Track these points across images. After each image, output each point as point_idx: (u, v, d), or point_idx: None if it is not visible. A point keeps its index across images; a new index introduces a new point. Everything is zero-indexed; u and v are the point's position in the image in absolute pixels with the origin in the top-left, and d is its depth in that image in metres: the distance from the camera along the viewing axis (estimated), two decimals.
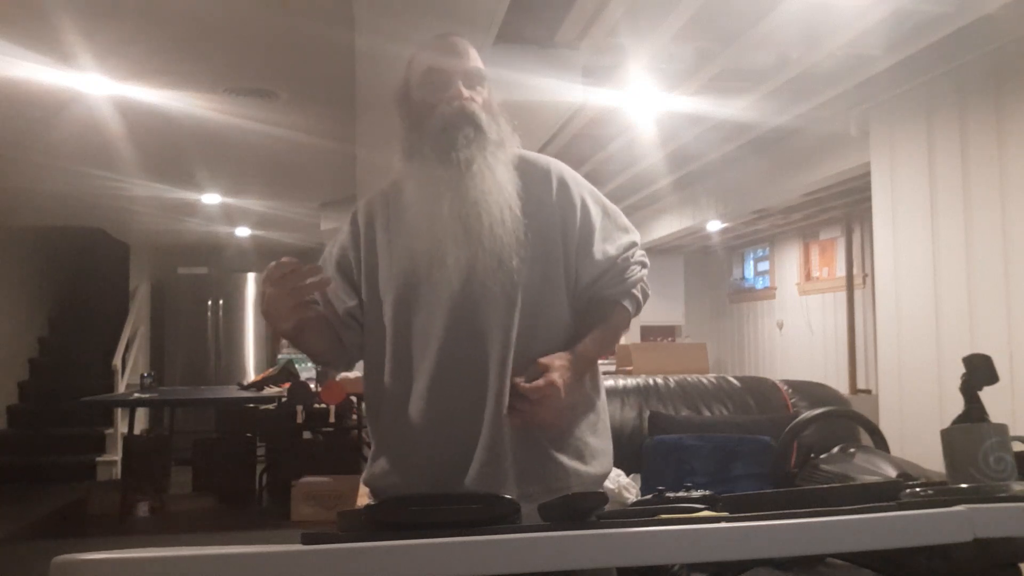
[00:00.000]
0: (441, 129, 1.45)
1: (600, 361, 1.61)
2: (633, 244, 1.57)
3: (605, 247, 1.52)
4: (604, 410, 1.58)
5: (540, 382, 1.38)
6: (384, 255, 1.52)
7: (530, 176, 1.51)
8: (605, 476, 1.56)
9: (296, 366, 6.83)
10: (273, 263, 1.40)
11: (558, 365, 1.41)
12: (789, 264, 7.50)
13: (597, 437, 1.53)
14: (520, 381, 1.39)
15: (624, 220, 1.60)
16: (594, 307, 1.53)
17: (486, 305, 1.43)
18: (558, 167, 1.56)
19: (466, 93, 1.47)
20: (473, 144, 1.44)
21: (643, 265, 1.57)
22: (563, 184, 1.53)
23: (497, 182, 1.43)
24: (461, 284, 1.43)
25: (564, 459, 1.45)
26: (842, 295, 6.54)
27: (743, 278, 8.56)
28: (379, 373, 1.52)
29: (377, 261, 1.53)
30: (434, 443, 1.44)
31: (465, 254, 1.42)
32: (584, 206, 1.53)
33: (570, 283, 1.51)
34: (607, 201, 1.59)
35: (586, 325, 1.51)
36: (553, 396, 1.39)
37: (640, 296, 1.57)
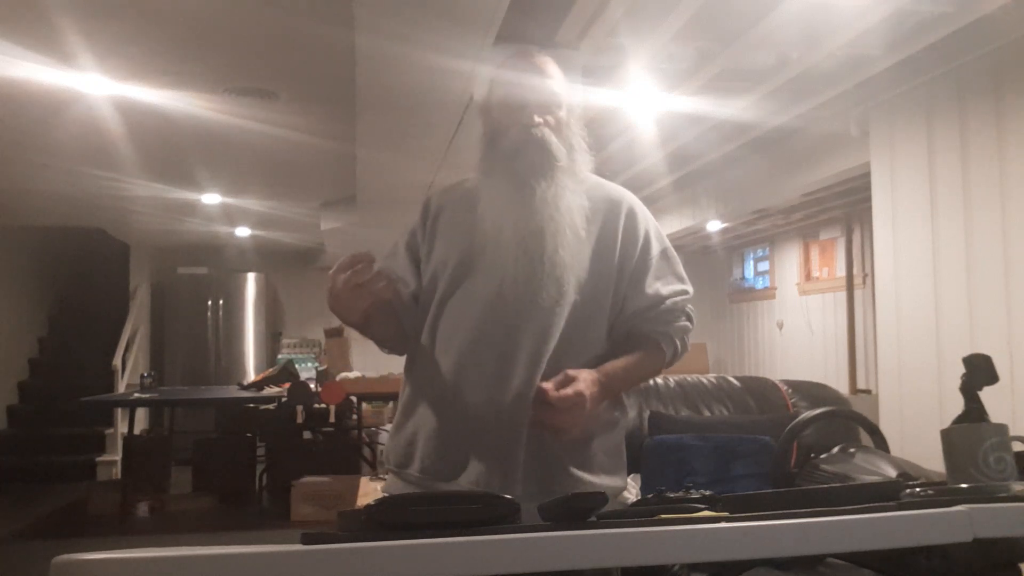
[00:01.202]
0: (512, 153, 1.51)
1: None
2: (685, 293, 1.59)
3: (657, 285, 1.55)
4: (623, 436, 1.61)
5: (568, 391, 1.39)
6: (441, 248, 1.56)
7: (601, 201, 1.56)
8: (616, 492, 1.58)
9: (296, 366, 6.84)
10: (348, 256, 1.43)
11: (586, 377, 1.42)
12: (789, 264, 7.50)
13: (611, 457, 1.56)
14: (549, 388, 1.40)
15: (681, 270, 1.62)
16: (632, 340, 1.55)
17: (532, 312, 1.47)
18: (631, 199, 1.60)
19: (537, 120, 1.51)
20: (541, 171, 1.48)
21: (689, 319, 1.60)
22: (631, 215, 1.57)
23: (561, 209, 1.47)
24: (515, 297, 1.47)
25: (574, 470, 1.48)
26: (842, 295, 6.54)
27: (743, 278, 8.56)
28: (416, 351, 1.58)
29: (433, 252, 1.58)
30: (456, 430, 1.48)
31: (524, 273, 1.46)
32: (647, 240, 1.56)
33: (614, 311, 1.54)
34: (670, 246, 1.62)
35: (620, 354, 1.53)
36: (579, 406, 1.39)
37: (679, 345, 1.59)
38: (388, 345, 1.67)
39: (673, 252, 1.63)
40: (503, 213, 1.48)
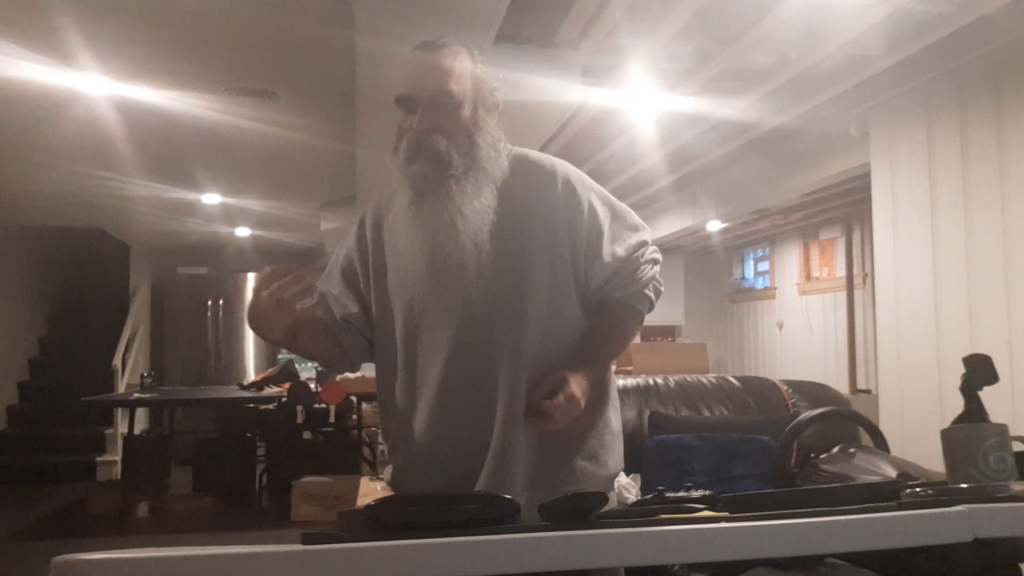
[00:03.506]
0: (405, 161, 1.45)
1: None
2: (643, 243, 1.55)
3: (614, 248, 1.51)
4: (616, 408, 1.58)
5: (560, 398, 1.37)
6: (392, 259, 1.52)
7: (534, 178, 1.50)
8: (616, 475, 1.56)
9: (296, 366, 6.83)
10: (266, 269, 1.43)
11: (573, 377, 1.40)
12: (789, 264, 7.50)
13: (610, 436, 1.53)
14: (540, 398, 1.38)
15: (634, 219, 1.58)
16: (605, 309, 1.52)
17: (493, 316, 1.43)
18: (564, 168, 1.53)
19: (425, 124, 1.42)
20: (435, 180, 1.42)
21: (654, 263, 1.56)
22: (569, 186, 1.50)
23: (464, 215, 1.41)
24: (463, 299, 1.43)
25: (577, 462, 1.46)
26: (842, 295, 6.54)
27: (743, 278, 8.56)
28: (391, 379, 1.53)
29: (386, 264, 1.53)
30: (443, 453, 1.45)
31: (455, 279, 1.42)
32: (591, 208, 1.51)
33: (579, 285, 1.50)
34: (615, 201, 1.57)
35: (598, 327, 1.50)
36: (573, 409, 1.38)
37: (652, 295, 1.56)
38: (322, 362, 1.63)
39: (621, 206, 1.57)
40: (413, 223, 1.43)
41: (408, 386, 1.49)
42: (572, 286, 1.49)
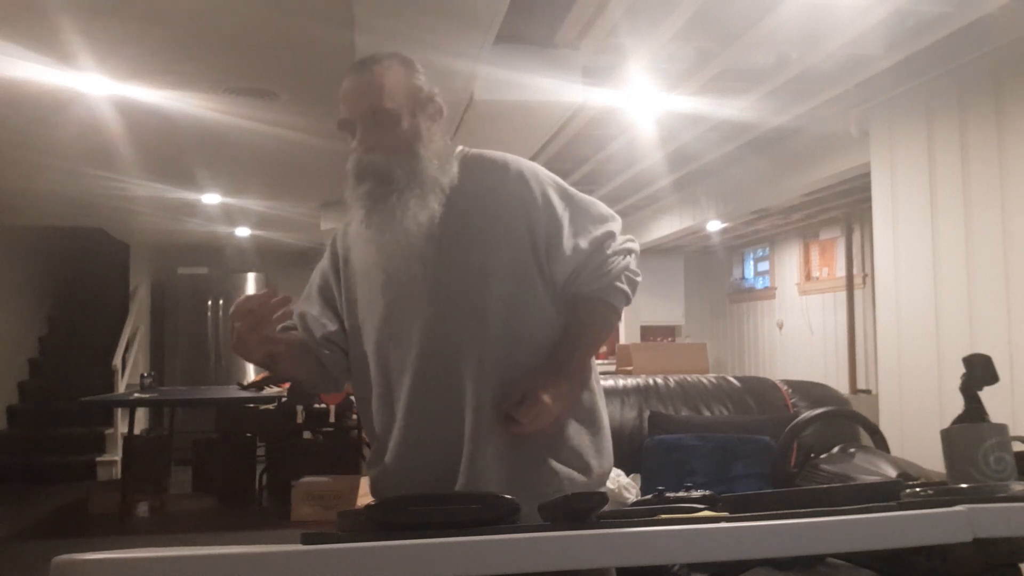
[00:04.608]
0: (352, 183, 1.45)
1: (598, 360, 1.58)
2: (610, 234, 1.48)
3: (576, 241, 1.45)
4: (601, 408, 1.54)
5: (528, 404, 1.35)
6: (356, 277, 1.51)
7: (487, 175, 1.47)
8: (604, 476, 1.52)
9: None
10: (241, 298, 1.42)
11: (542, 381, 1.37)
12: (789, 264, 7.50)
13: (593, 435, 1.49)
14: (509, 406, 1.36)
15: (600, 209, 1.52)
16: (577, 306, 1.47)
17: (455, 323, 1.42)
18: (516, 163, 1.49)
19: (365, 145, 1.43)
20: (378, 197, 1.41)
21: (627, 253, 1.49)
22: (521, 178, 1.46)
23: (407, 231, 1.39)
24: (421, 311, 1.42)
25: (557, 465, 1.42)
26: (842, 295, 6.54)
27: (743, 278, 8.56)
28: (367, 395, 1.53)
29: (354, 281, 1.52)
30: (416, 465, 1.44)
31: (409, 292, 1.42)
32: (547, 201, 1.46)
33: (547, 282, 1.46)
34: (576, 193, 1.52)
35: (570, 325, 1.46)
36: (544, 414, 1.36)
37: (626, 287, 1.48)
38: (308, 384, 1.62)
39: (584, 198, 1.51)
40: (367, 242, 1.43)
41: (383, 401, 1.48)
42: (538, 283, 1.45)
